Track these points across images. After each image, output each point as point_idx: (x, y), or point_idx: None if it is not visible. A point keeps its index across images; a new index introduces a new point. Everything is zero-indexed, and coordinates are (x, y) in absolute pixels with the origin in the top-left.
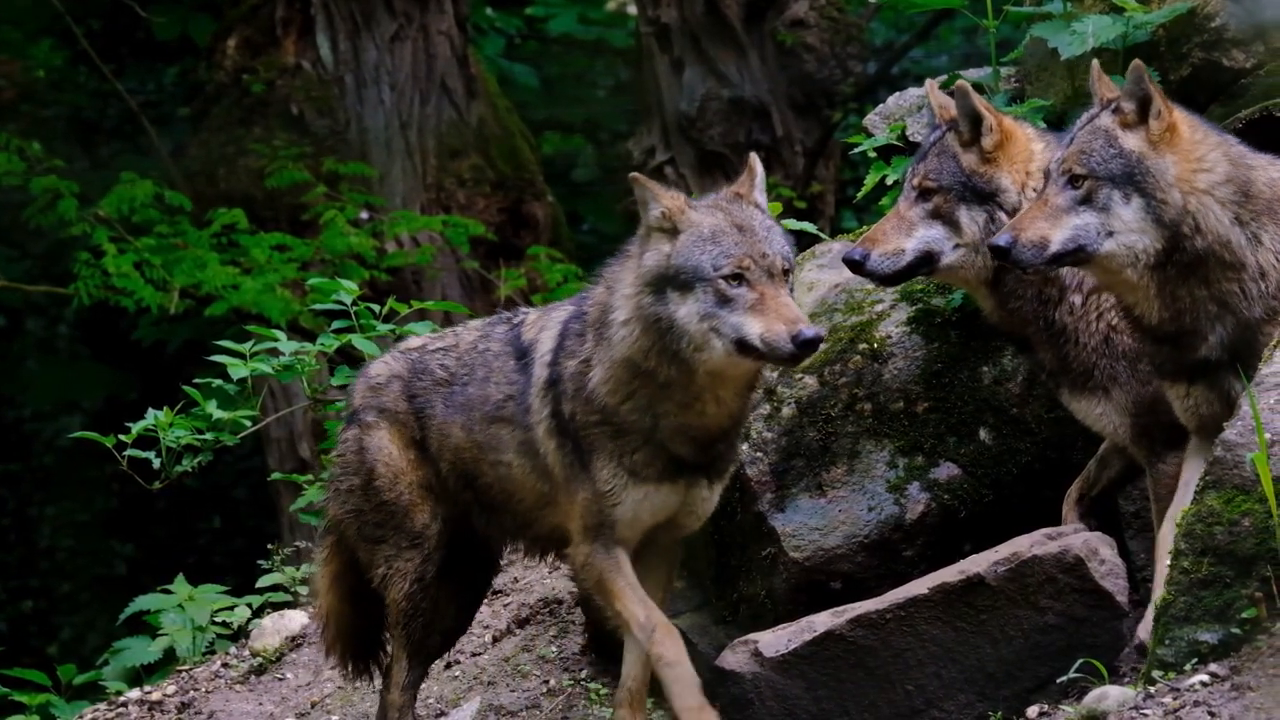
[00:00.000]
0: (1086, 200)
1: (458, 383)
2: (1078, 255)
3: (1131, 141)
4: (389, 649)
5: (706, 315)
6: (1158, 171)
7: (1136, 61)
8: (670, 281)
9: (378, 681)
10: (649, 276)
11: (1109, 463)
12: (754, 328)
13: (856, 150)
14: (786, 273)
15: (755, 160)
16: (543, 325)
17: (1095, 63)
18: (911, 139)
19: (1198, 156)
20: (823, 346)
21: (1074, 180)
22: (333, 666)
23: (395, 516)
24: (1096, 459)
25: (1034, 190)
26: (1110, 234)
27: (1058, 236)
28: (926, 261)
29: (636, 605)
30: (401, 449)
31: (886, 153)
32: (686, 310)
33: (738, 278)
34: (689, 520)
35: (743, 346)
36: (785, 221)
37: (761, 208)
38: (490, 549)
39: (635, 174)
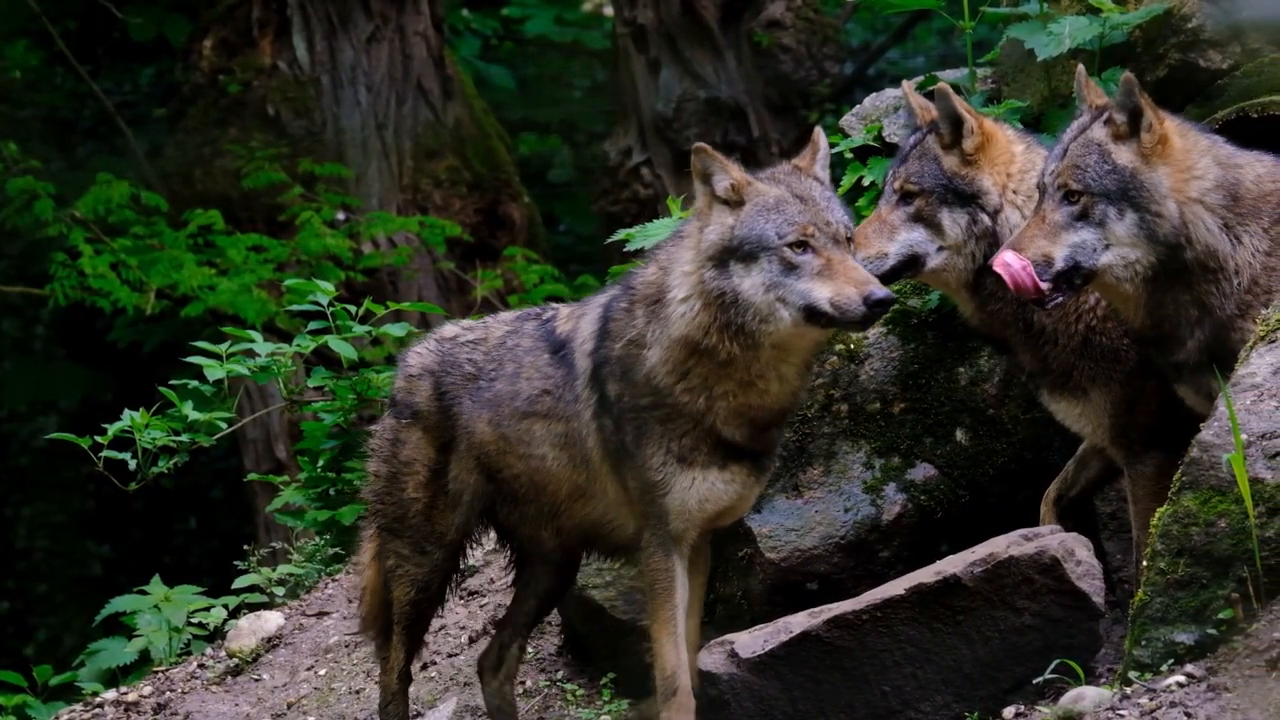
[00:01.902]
0: (1083, 216)
1: (484, 378)
2: (1079, 272)
3: (1124, 156)
4: (422, 637)
5: (772, 285)
6: (1151, 185)
7: (1128, 74)
8: (733, 253)
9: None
10: (711, 250)
11: (1087, 464)
12: (823, 293)
13: (833, 151)
14: (849, 240)
15: (820, 134)
16: (580, 315)
17: (1080, 67)
18: (888, 140)
19: (1188, 165)
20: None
21: (1070, 196)
22: (370, 640)
23: (414, 517)
24: (1075, 460)
25: (1014, 191)
26: (1107, 247)
27: (1060, 254)
28: (911, 265)
29: (671, 649)
30: (434, 452)
31: (863, 154)
32: (751, 281)
33: (802, 245)
34: (728, 515)
35: (811, 313)
36: None
37: (822, 180)
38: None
39: (701, 145)
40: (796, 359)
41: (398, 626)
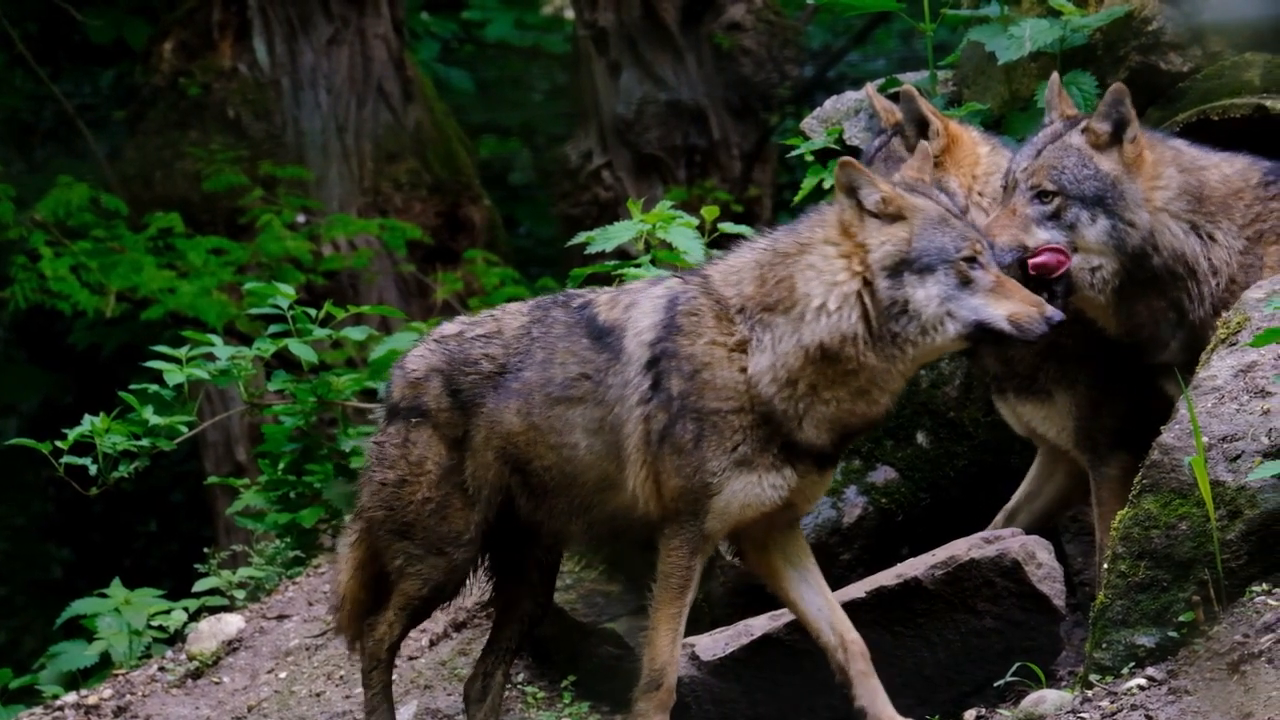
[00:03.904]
0: (1054, 217)
1: (510, 370)
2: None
3: (1107, 164)
4: (420, 624)
5: (947, 297)
6: (1130, 195)
7: (1118, 85)
8: (910, 265)
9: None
10: (889, 260)
11: (1036, 495)
12: (998, 310)
13: (794, 154)
14: None
15: (926, 146)
16: (629, 304)
17: (1055, 76)
18: (849, 142)
19: (1155, 175)
20: None
21: (1043, 195)
22: (346, 645)
23: (427, 518)
24: (1024, 495)
25: (980, 193)
26: (1074, 251)
27: (1034, 244)
28: None
29: (669, 643)
30: (446, 450)
31: (824, 156)
32: (925, 293)
33: (973, 260)
34: (801, 502)
35: (981, 329)
36: (722, 225)
37: None
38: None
39: (848, 158)
40: (913, 372)
41: (399, 610)
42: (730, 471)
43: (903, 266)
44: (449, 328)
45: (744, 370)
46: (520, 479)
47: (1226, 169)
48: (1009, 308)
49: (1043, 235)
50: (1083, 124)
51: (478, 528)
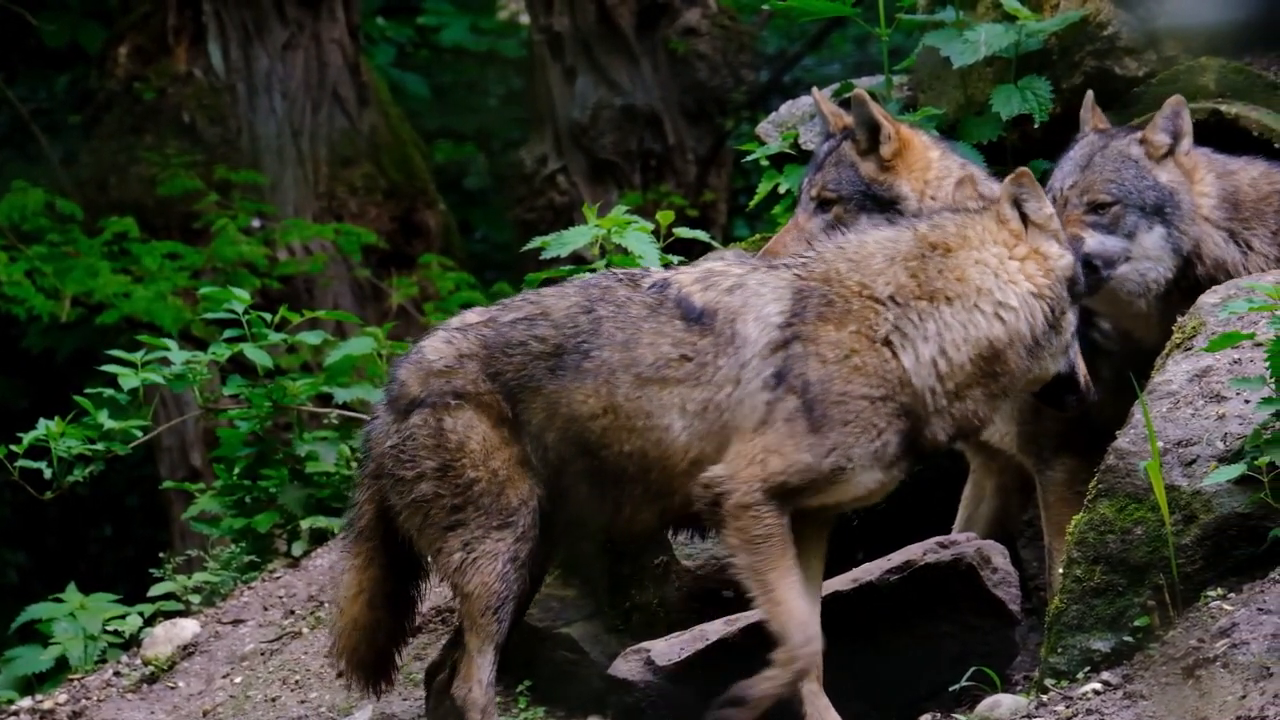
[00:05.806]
0: (1111, 226)
1: (573, 350)
2: (1092, 272)
3: (1165, 175)
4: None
5: (1073, 332)
6: (1185, 206)
7: (1178, 97)
8: (1074, 284)
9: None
10: (1069, 272)
11: (973, 521)
12: (1081, 365)
13: (749, 158)
14: None
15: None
16: (731, 287)
17: (1090, 94)
18: (804, 147)
19: (1197, 179)
20: None
21: (1099, 207)
22: (339, 673)
23: (485, 495)
24: (961, 524)
25: (932, 198)
26: (1128, 259)
27: (1090, 240)
28: None
29: (799, 600)
30: (491, 426)
31: (779, 161)
32: (1070, 317)
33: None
34: (871, 499)
35: (1070, 373)
36: (678, 230)
37: None
38: (552, 527)
39: (1024, 169)
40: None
41: (477, 618)
42: (868, 460)
43: (1072, 284)
44: (471, 316)
45: (889, 360)
46: (588, 463)
47: (1253, 172)
48: (1083, 367)
49: (1099, 240)
50: (1138, 135)
51: (539, 500)
